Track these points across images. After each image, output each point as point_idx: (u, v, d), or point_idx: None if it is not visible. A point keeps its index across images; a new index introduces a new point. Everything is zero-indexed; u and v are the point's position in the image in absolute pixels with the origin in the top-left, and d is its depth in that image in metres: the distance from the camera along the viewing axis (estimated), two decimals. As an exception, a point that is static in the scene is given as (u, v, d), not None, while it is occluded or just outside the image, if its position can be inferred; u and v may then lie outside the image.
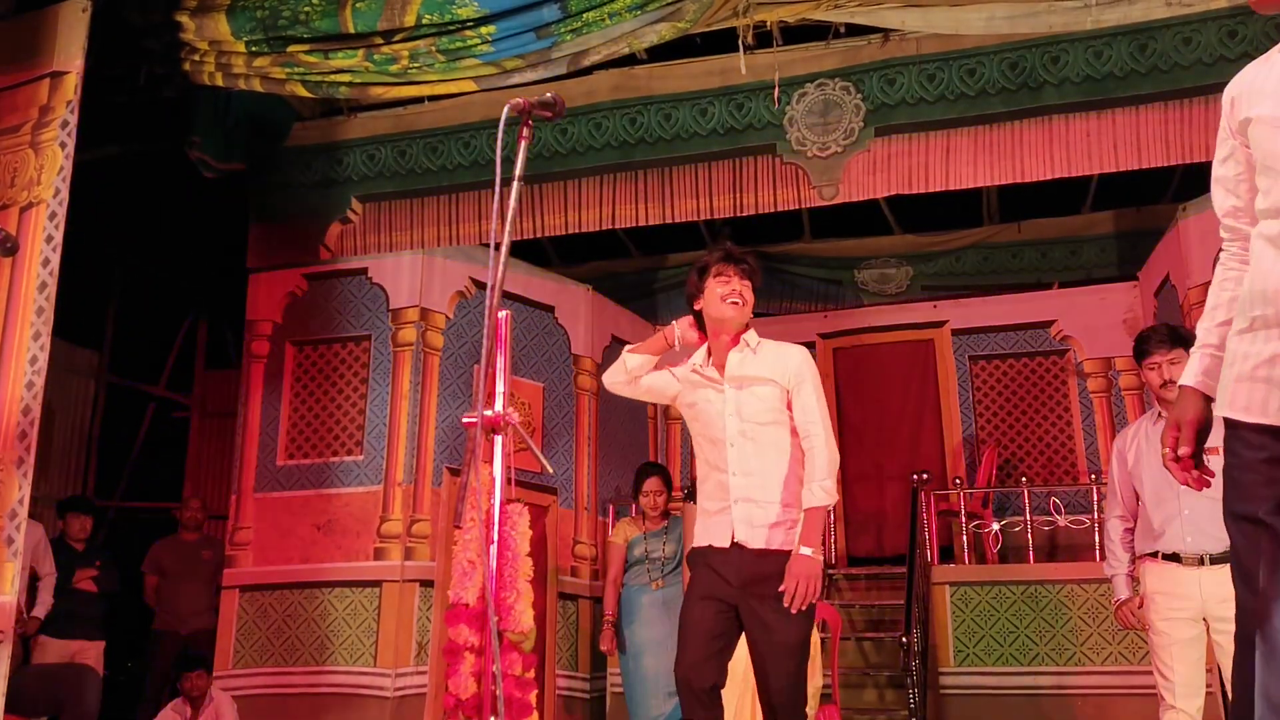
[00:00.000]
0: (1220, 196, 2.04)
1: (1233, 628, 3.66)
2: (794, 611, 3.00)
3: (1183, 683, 3.66)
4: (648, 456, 8.33)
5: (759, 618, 3.03)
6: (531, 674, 2.82)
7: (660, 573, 5.36)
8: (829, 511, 3.24)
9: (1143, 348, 3.87)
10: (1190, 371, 2.04)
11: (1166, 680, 3.69)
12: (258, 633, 6.32)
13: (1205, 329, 2.05)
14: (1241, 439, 1.88)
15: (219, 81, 5.68)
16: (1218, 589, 3.64)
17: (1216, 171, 2.04)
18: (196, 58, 5.62)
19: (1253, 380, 1.84)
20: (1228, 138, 1.98)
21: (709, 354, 3.35)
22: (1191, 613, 3.68)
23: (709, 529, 3.19)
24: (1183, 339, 3.82)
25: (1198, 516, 3.68)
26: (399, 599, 6.09)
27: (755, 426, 3.18)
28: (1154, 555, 3.80)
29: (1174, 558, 3.72)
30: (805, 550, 3.04)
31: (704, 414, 3.25)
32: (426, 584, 6.24)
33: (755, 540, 3.10)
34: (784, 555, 3.08)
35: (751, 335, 3.32)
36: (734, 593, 3.07)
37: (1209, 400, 2.00)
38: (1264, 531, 1.77)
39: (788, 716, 3.02)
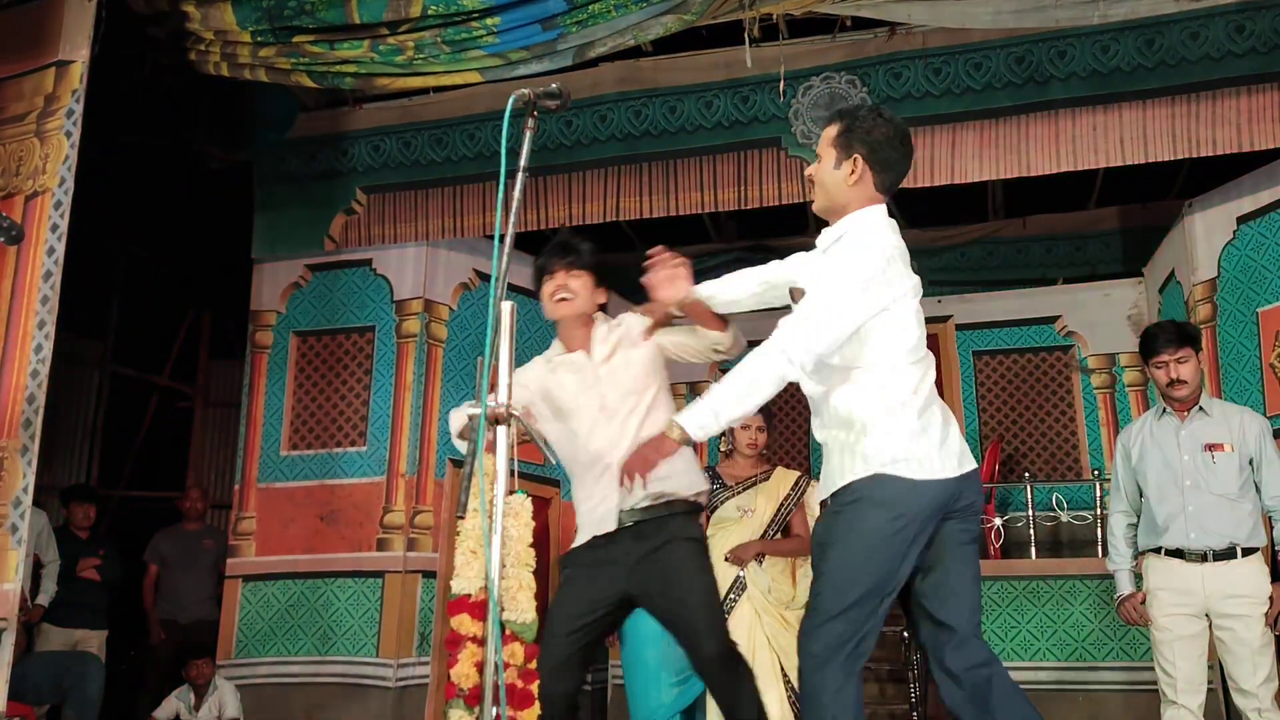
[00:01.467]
0: None
1: (1235, 624, 3.69)
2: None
3: (1185, 679, 3.66)
4: (650, 450, 8.32)
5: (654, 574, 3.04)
6: (534, 665, 2.83)
7: None
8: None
9: (1150, 346, 3.86)
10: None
11: (1169, 676, 3.69)
12: (260, 622, 6.33)
13: None
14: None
15: (224, 72, 5.67)
16: (1220, 585, 3.65)
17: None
18: (202, 47, 5.61)
19: None
20: None
21: (564, 348, 3.33)
22: (1194, 609, 3.68)
23: (590, 518, 3.18)
24: (1190, 337, 3.82)
25: (1201, 513, 3.69)
26: (401, 589, 6.10)
27: (631, 397, 3.18)
28: (1157, 551, 3.80)
29: (1177, 553, 3.72)
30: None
31: (566, 405, 3.19)
32: (429, 575, 6.25)
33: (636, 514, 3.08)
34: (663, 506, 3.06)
35: (600, 317, 3.33)
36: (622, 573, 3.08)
37: None
38: None
39: (728, 658, 3.02)
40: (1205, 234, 6.08)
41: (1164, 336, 3.81)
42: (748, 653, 4.37)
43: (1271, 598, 3.66)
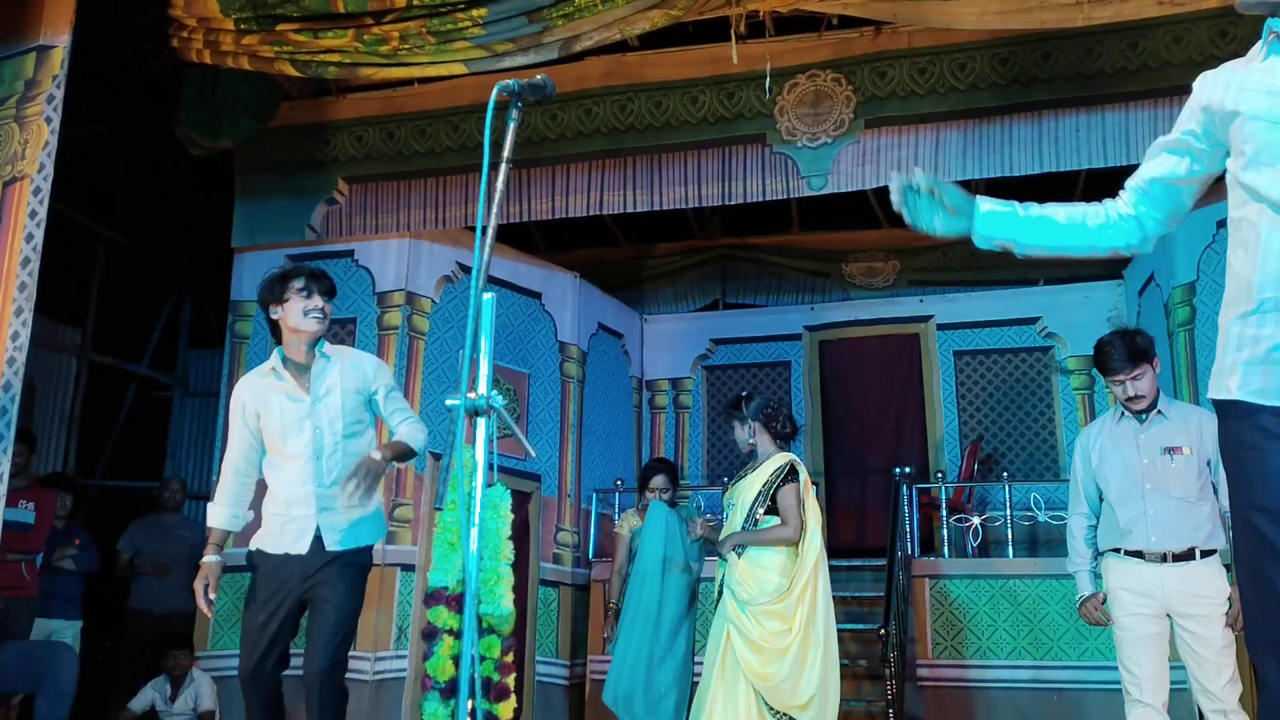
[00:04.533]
0: (1161, 163, 2.09)
1: (1197, 625, 3.70)
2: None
3: (1148, 678, 3.68)
4: (633, 445, 8.33)
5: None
6: (510, 658, 2.82)
7: None
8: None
9: (1106, 365, 3.87)
10: None
11: (1133, 675, 3.72)
12: (237, 614, 6.28)
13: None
14: (1260, 428, 1.81)
15: (207, 59, 5.63)
16: (1180, 586, 3.68)
17: (1169, 140, 2.09)
18: (185, 34, 5.57)
19: (1267, 363, 1.82)
20: (1191, 120, 2.04)
21: (279, 369, 3.59)
22: (1155, 609, 3.71)
23: (285, 534, 3.48)
24: (1143, 352, 3.81)
25: (1162, 516, 3.72)
26: (380, 583, 6.07)
27: (337, 433, 3.49)
28: (1117, 551, 3.82)
29: (1137, 555, 3.75)
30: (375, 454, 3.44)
31: (278, 424, 3.49)
32: (408, 568, 6.23)
33: (345, 544, 3.46)
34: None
35: (325, 344, 3.66)
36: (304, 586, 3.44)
37: None
38: None
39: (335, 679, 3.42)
40: (1185, 237, 6.12)
41: (1118, 357, 3.79)
42: (714, 659, 4.37)
43: (1231, 598, 3.68)
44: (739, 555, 4.49)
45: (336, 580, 3.42)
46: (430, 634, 2.77)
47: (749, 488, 4.59)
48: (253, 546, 3.58)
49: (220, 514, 3.58)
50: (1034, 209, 2.14)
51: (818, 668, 4.38)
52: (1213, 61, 5.28)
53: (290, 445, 3.47)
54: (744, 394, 4.85)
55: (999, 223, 2.13)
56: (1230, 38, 5.34)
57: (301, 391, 3.51)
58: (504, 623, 2.80)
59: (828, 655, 4.42)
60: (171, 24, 5.52)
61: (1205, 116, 2.00)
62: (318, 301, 3.57)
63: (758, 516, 4.53)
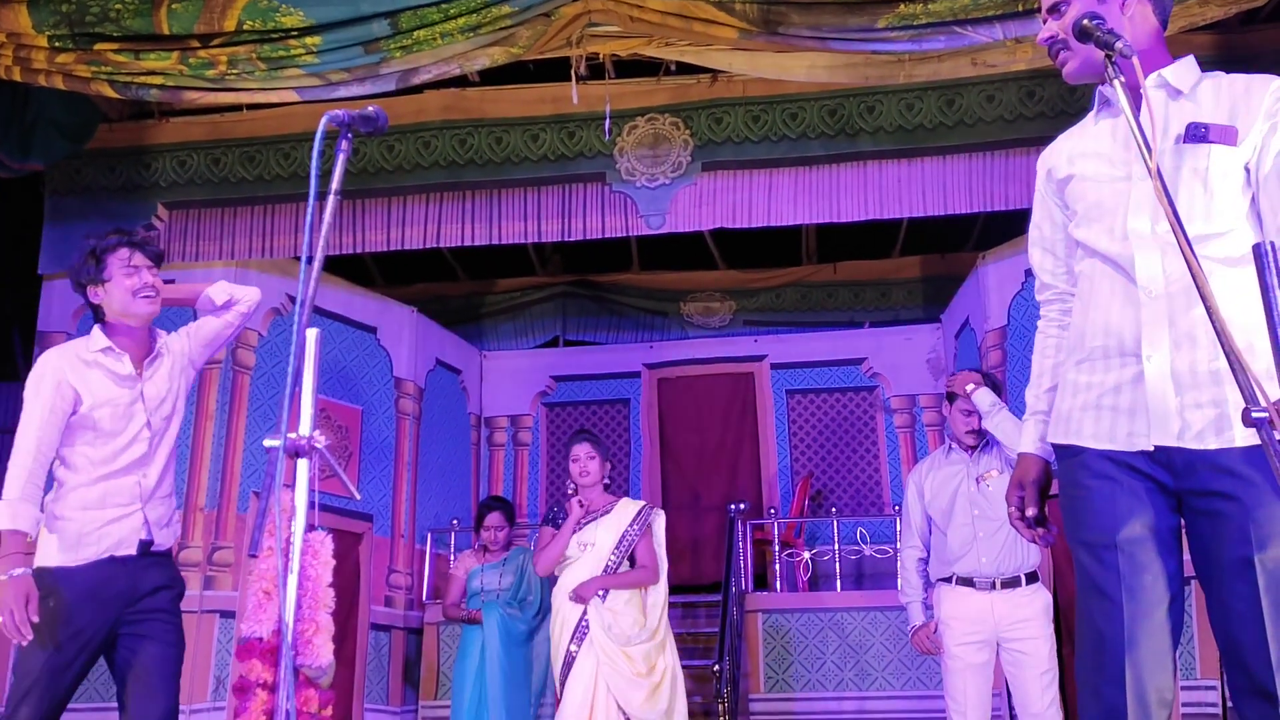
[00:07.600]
0: (1038, 256, 2.20)
1: (1023, 647, 3.90)
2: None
3: (973, 706, 3.86)
4: (470, 483, 8.20)
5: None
6: (329, 711, 2.68)
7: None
8: None
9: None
10: (1028, 438, 2.13)
11: (957, 703, 3.88)
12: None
13: (1035, 396, 2.16)
14: (1086, 467, 1.93)
15: (16, 76, 5.29)
16: (1008, 611, 3.87)
17: (1033, 235, 2.21)
18: (-9, 48, 5.22)
19: (1098, 409, 1.92)
20: (1044, 202, 2.16)
21: (114, 348, 3.08)
22: (984, 636, 3.88)
23: (107, 536, 2.90)
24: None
25: (992, 543, 3.91)
26: (196, 630, 5.74)
27: (165, 420, 3.07)
28: (948, 580, 3.99)
29: (968, 582, 3.93)
30: None
31: (105, 408, 2.99)
32: (228, 614, 5.92)
33: (166, 540, 2.99)
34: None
35: (160, 336, 3.18)
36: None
37: (1048, 464, 2.10)
38: (1120, 555, 1.85)
39: None
40: (996, 285, 6.50)
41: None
42: (584, 705, 4.19)
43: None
44: (602, 599, 4.33)
45: (170, 612, 2.92)
46: (242, 688, 2.61)
47: (608, 530, 4.36)
48: (46, 564, 2.85)
49: (25, 513, 2.83)
50: (1045, 400, 2.11)
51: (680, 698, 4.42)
52: (1021, 120, 5.71)
53: (120, 433, 2.98)
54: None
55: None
56: (1038, 99, 5.73)
57: (133, 371, 3.05)
58: (322, 675, 2.66)
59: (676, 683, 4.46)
60: (-25, 37, 5.16)
61: (1050, 184, 2.13)
62: (147, 278, 3.06)
63: (626, 557, 4.45)
